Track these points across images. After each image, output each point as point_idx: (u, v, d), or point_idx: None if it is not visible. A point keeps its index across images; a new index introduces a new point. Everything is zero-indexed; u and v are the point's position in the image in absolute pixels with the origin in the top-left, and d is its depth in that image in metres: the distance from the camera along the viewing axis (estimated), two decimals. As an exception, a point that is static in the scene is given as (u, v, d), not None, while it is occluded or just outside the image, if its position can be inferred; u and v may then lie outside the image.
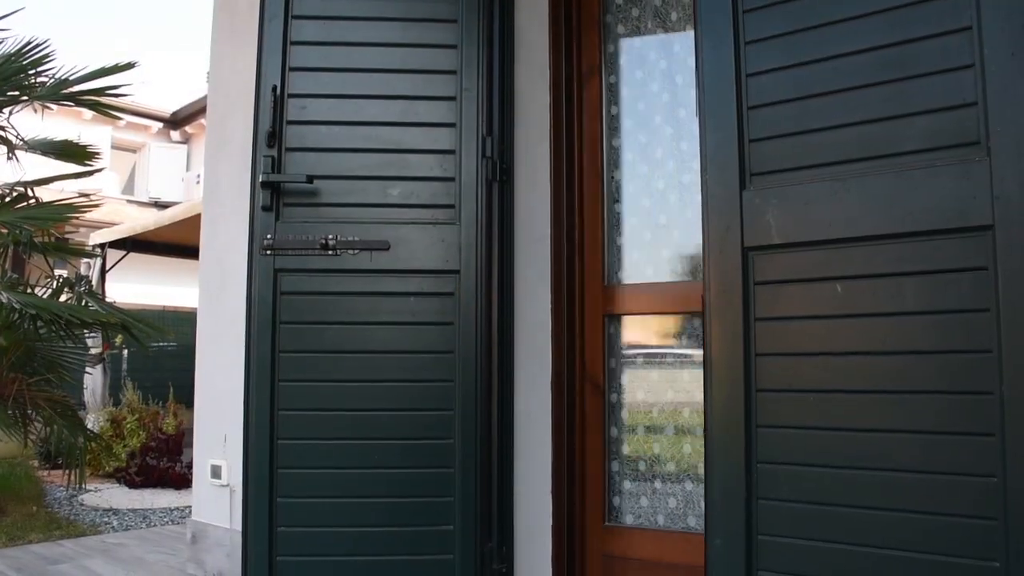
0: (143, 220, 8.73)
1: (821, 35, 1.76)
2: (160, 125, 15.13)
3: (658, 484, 2.83)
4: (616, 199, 2.84)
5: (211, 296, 3.43)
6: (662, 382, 2.86)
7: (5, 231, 4.71)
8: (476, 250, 2.40)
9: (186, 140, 15.39)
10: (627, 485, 2.76)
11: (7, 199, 5.01)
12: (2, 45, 4.80)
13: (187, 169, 14.66)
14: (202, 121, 14.46)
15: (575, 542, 2.72)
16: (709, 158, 1.89)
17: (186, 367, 7.98)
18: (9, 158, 5.10)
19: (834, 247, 1.72)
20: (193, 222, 7.35)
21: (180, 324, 6.52)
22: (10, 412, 4.52)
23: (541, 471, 2.63)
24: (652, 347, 2.86)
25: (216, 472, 3.26)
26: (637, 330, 2.86)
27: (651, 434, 2.87)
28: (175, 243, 8.81)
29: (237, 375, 3.22)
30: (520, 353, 2.67)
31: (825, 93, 1.75)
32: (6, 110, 4.89)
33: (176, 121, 15.14)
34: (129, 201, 13.62)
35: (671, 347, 2.86)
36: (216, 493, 3.26)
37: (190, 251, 8.99)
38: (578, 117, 2.81)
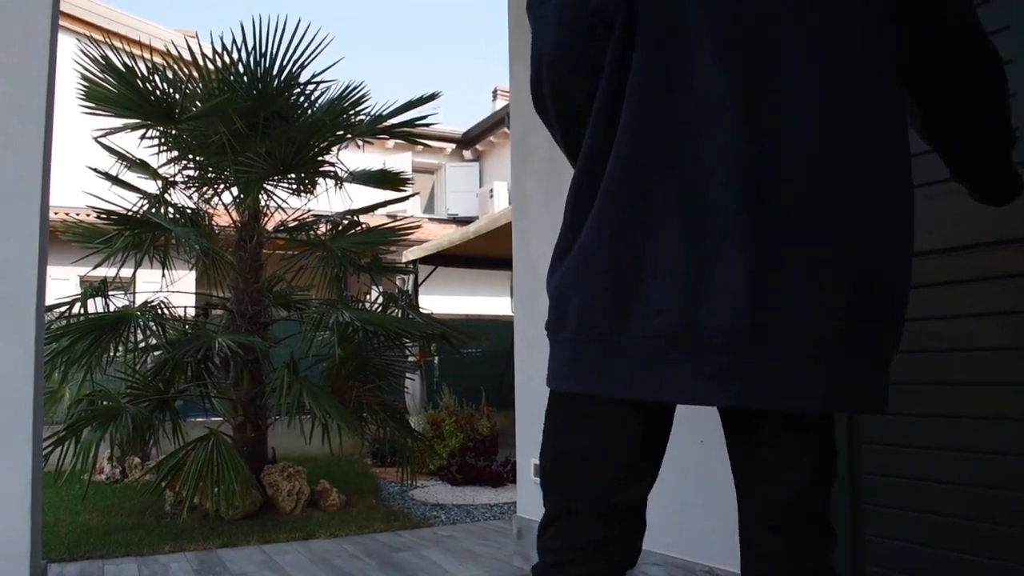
0: (448, 235, 9.34)
1: None
2: (453, 146, 16.19)
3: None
4: None
5: (526, 304, 3.57)
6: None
7: (340, 255, 5.30)
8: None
9: (477, 158, 16.30)
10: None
11: (339, 227, 5.65)
12: (328, 91, 5.43)
13: (480, 185, 15.52)
14: (491, 138, 15.30)
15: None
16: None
17: (491, 372, 8.52)
18: (338, 189, 5.72)
19: None
20: (491, 235, 7.79)
21: (482, 331, 6.91)
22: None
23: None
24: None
25: (539, 471, 3.39)
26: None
27: None
28: (475, 255, 9.39)
29: (554, 379, 3.34)
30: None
31: None
32: (334, 148, 5.52)
33: (467, 141, 16.10)
34: (430, 219, 14.68)
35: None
36: (539, 492, 3.40)
37: (489, 262, 9.57)
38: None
